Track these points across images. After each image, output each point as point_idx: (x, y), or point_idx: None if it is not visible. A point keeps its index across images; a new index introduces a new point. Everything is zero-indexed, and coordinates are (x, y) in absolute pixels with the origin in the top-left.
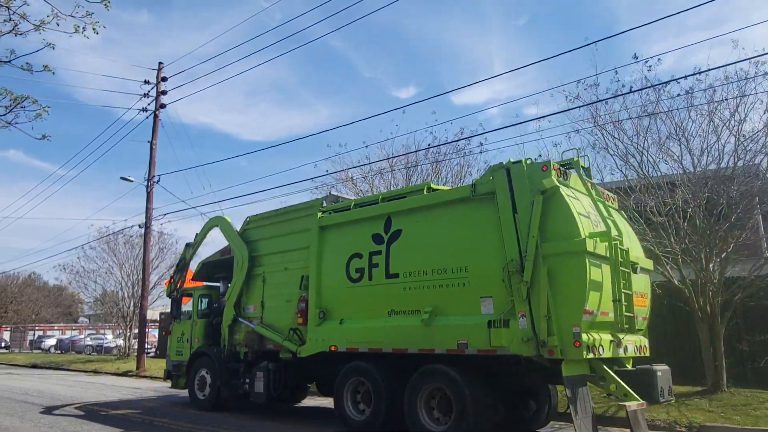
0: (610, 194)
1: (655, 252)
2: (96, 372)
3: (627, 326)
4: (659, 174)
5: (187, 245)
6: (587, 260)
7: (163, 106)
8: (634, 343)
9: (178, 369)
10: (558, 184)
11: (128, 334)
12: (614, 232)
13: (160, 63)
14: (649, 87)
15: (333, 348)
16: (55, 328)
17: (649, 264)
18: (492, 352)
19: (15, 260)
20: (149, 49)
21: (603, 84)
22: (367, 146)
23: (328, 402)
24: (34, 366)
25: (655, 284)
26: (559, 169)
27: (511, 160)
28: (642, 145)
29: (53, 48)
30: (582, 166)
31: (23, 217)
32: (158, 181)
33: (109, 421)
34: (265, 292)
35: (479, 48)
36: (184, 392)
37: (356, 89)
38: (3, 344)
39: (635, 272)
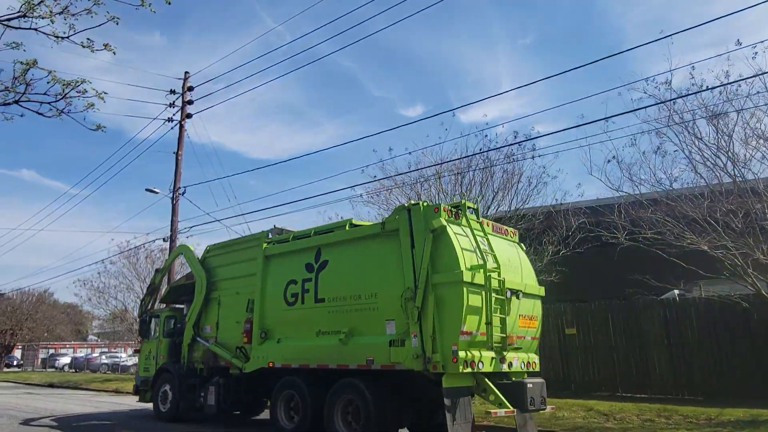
0: (510, 229)
1: (737, 262)
2: (117, 392)
3: (499, 345)
4: (742, 179)
5: (157, 270)
6: (465, 289)
7: (189, 116)
8: (521, 360)
9: (145, 384)
10: (446, 223)
11: None
12: (492, 265)
13: (186, 72)
14: (746, 79)
15: (271, 364)
16: (67, 346)
17: (540, 290)
18: (392, 368)
19: (27, 277)
20: (162, 71)
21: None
22: (410, 153)
23: None
24: (51, 385)
25: (739, 296)
26: (450, 210)
27: (412, 202)
28: (727, 145)
29: (117, 23)
30: (471, 207)
31: (44, 229)
32: (183, 192)
33: None
34: (220, 314)
35: (486, 67)
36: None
37: (365, 108)
38: (15, 362)
39: (517, 298)
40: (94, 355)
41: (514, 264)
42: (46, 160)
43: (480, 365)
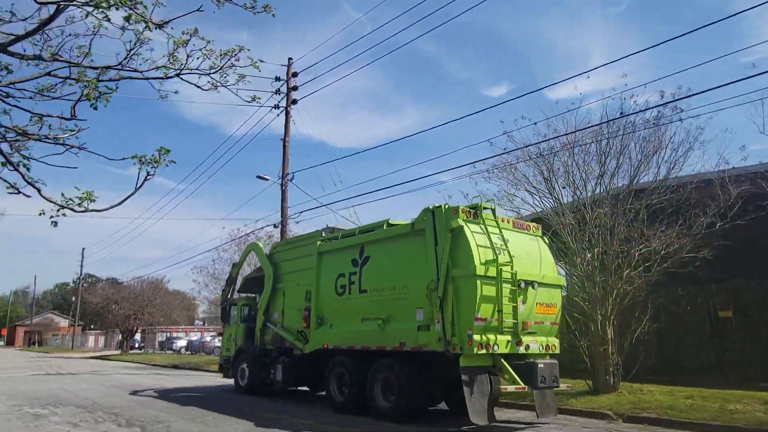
0: (532, 225)
1: None
2: None
3: (511, 330)
4: None
5: (234, 264)
6: (478, 282)
7: (294, 102)
8: (539, 343)
9: (227, 363)
10: (463, 224)
11: None
12: (505, 259)
13: (289, 59)
14: None
15: (325, 346)
16: (180, 329)
17: (559, 281)
18: (419, 349)
19: (142, 268)
20: (251, 67)
21: None
22: (536, 123)
23: None
24: (175, 366)
25: None
26: (468, 211)
27: (436, 204)
28: None
29: None
30: (487, 207)
31: (162, 218)
32: (292, 178)
33: None
34: (285, 303)
35: (574, 40)
36: None
37: (447, 91)
38: (136, 345)
39: (533, 288)
40: (207, 338)
41: (533, 257)
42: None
43: (495, 347)
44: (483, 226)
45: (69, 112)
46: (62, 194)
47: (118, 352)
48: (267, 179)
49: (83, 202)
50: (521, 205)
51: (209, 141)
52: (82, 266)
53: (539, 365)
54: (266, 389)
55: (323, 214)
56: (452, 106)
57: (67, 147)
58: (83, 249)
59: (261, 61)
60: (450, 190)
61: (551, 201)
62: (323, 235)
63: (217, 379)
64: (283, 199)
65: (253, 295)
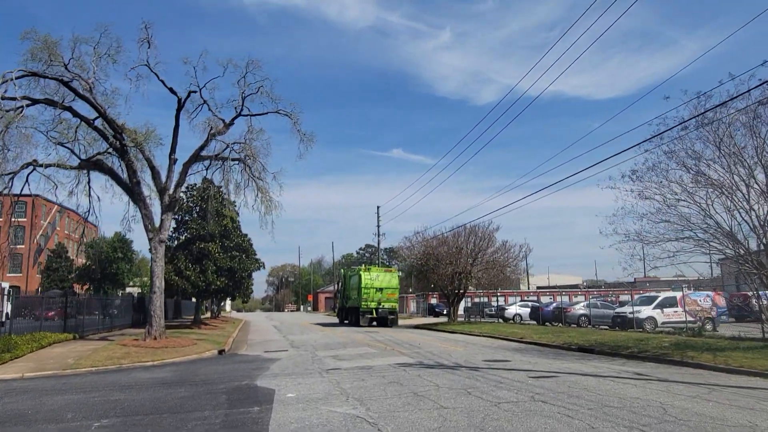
0: (392, 268)
1: None
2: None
3: (375, 302)
4: None
5: (336, 282)
6: (363, 290)
7: None
8: (389, 305)
9: (338, 313)
10: (362, 272)
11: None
12: (373, 282)
13: None
14: None
15: (349, 306)
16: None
17: (396, 285)
18: (357, 306)
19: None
20: (497, 32)
21: None
22: None
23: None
24: (588, 350)
25: None
26: (364, 266)
27: (360, 266)
28: None
29: None
30: (371, 267)
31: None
32: None
33: None
34: (345, 291)
35: None
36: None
37: (736, 11)
38: (443, 310)
39: (384, 290)
40: (571, 303)
41: (386, 279)
42: (408, 137)
43: (371, 306)
44: (369, 272)
45: None
46: None
47: (437, 320)
48: None
49: None
50: None
51: (457, 114)
52: (378, 225)
53: (379, 309)
54: (344, 321)
55: None
56: (744, 27)
57: None
58: (378, 207)
59: None
60: None
61: None
62: (350, 269)
63: None
64: None
65: (342, 288)
